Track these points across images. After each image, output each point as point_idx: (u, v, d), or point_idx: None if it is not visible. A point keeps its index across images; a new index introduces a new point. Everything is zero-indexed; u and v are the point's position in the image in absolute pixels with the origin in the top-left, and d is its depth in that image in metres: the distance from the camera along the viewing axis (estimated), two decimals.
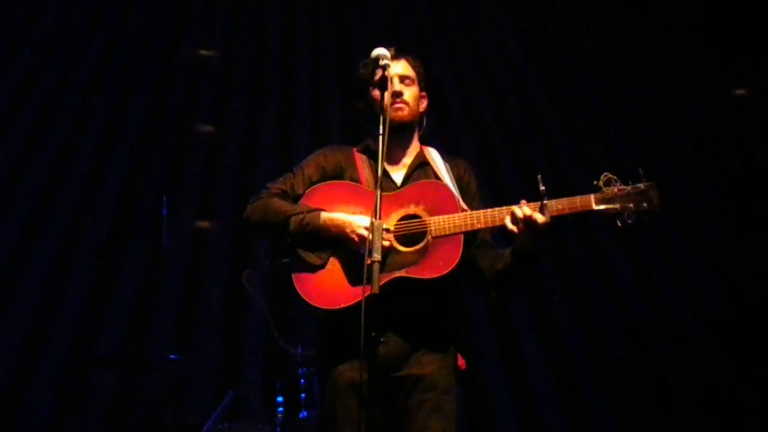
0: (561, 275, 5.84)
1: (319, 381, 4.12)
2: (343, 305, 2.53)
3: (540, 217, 2.46)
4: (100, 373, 5.16)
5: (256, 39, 6.93)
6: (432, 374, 2.56)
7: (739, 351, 5.26)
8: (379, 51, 2.62)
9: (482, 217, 2.54)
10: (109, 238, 5.62)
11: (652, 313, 5.65)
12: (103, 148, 6.09)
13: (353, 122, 5.66)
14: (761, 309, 5.33)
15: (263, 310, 4.36)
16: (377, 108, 2.57)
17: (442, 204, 2.60)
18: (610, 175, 2.49)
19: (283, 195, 2.77)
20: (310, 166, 2.83)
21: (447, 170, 2.82)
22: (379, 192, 2.36)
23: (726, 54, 6.17)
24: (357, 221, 2.58)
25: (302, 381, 4.21)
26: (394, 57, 2.74)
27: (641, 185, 2.47)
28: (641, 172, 2.48)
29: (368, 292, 2.20)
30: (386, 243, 2.49)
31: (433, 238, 2.55)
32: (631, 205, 2.45)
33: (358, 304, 2.27)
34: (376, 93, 2.71)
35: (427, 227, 2.57)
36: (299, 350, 4.30)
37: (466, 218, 2.55)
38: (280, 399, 4.21)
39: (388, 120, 2.44)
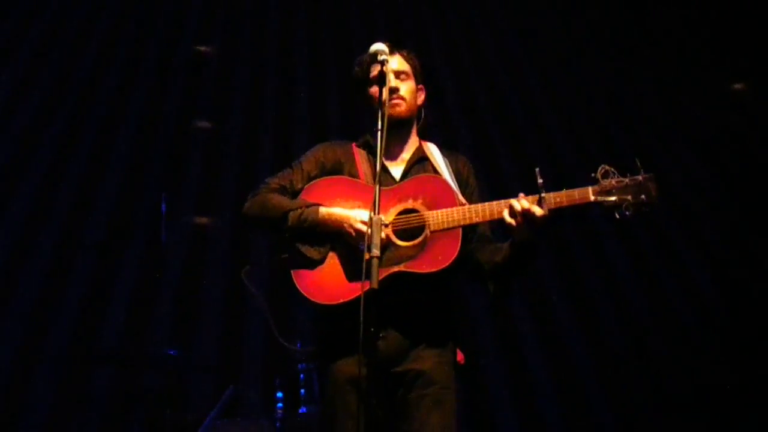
0: (561, 275, 5.85)
1: (318, 376, 4.15)
2: (342, 300, 2.54)
3: (538, 210, 2.46)
4: (100, 370, 5.17)
5: (255, 36, 6.94)
6: (431, 369, 2.56)
7: (739, 351, 5.25)
8: (377, 46, 2.62)
9: (480, 211, 2.54)
10: (109, 235, 5.62)
11: (652, 312, 5.65)
12: (102, 145, 6.10)
13: (351, 119, 5.68)
14: (761, 309, 5.33)
15: (262, 306, 4.36)
16: (375, 104, 2.58)
17: (440, 198, 2.60)
18: (607, 168, 2.49)
19: (282, 190, 2.77)
20: (309, 161, 2.83)
21: (446, 165, 2.82)
22: (377, 187, 2.35)
23: (724, 49, 6.17)
24: (355, 216, 2.58)
25: (302, 377, 4.22)
26: (389, 52, 2.74)
27: (639, 177, 2.47)
28: (638, 164, 2.48)
29: (367, 288, 2.20)
30: (383, 236, 2.49)
31: (431, 232, 2.55)
32: (629, 197, 2.45)
33: (357, 300, 2.27)
34: (374, 89, 2.70)
35: (425, 221, 2.57)
36: (298, 346, 4.30)
37: (465, 212, 2.55)
38: (279, 395, 4.22)
39: (386, 116, 2.44)
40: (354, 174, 2.78)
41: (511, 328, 5.70)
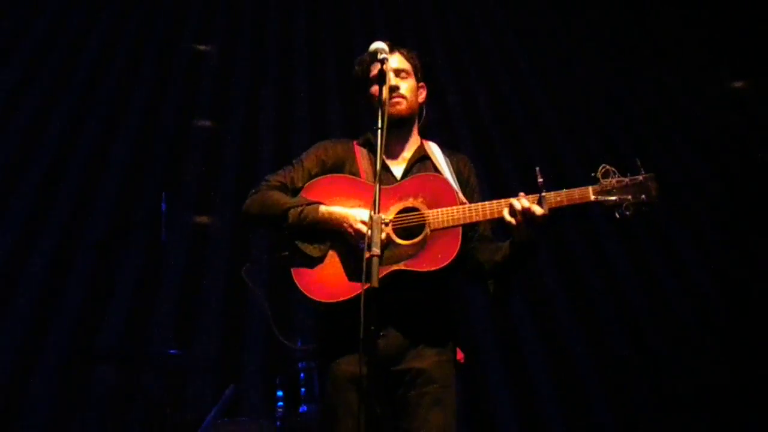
0: (561, 275, 5.84)
1: (318, 375, 4.13)
2: (342, 299, 2.54)
3: (538, 209, 2.46)
4: (100, 369, 5.15)
5: (255, 35, 6.94)
6: (431, 368, 2.56)
7: (739, 351, 5.25)
8: (377, 45, 2.62)
9: (480, 210, 2.54)
10: (109, 234, 5.62)
11: (652, 312, 5.65)
12: (102, 144, 6.09)
13: (352, 119, 5.68)
14: (761, 309, 5.32)
15: (263, 304, 4.36)
16: (375, 103, 2.57)
17: (440, 197, 2.60)
18: (608, 167, 2.49)
19: (283, 188, 2.77)
20: (310, 159, 2.83)
21: (447, 164, 2.82)
22: (377, 186, 2.35)
23: (724, 48, 6.17)
24: (355, 214, 2.58)
25: (302, 375, 4.21)
26: (389, 51, 2.74)
27: (639, 177, 2.48)
28: (639, 163, 2.48)
29: (367, 286, 2.20)
30: (383, 235, 2.49)
31: (431, 230, 2.55)
32: (630, 196, 2.46)
33: (357, 298, 2.27)
34: (375, 88, 2.70)
35: (425, 220, 2.57)
36: (299, 344, 4.30)
37: (465, 211, 2.55)
38: (280, 393, 4.21)
39: (386, 115, 2.44)
40: (355, 172, 2.77)
41: (511, 328, 5.70)
